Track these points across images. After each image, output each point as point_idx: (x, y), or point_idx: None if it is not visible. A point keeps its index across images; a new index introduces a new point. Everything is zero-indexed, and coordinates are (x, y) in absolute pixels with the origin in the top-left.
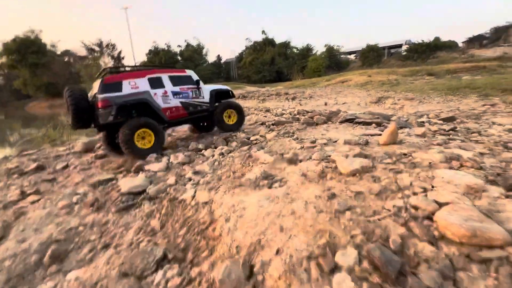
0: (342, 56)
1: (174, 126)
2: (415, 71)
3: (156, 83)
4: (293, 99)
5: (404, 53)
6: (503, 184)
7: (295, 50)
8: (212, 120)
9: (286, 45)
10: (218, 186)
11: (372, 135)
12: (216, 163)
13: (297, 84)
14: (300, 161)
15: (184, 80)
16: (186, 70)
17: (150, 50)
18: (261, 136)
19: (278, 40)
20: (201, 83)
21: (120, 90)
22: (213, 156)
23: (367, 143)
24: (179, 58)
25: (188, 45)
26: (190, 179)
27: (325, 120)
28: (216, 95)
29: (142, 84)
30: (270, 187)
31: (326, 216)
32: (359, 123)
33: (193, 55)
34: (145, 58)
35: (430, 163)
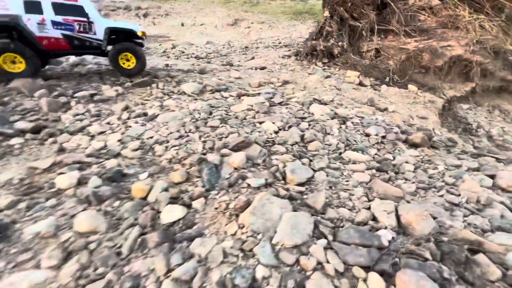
0: None
1: (57, 57)
2: None
3: (32, 8)
4: (145, 16)
5: None
6: None
7: None
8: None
9: None
10: None
11: None
12: None
13: None
14: None
15: (71, 9)
16: None
17: None
18: None
19: None
20: (96, 17)
21: None
22: None
23: None
24: None
25: None
26: None
27: None
28: (114, 34)
29: (14, 6)
30: None
31: None
32: None
33: None
34: None
35: None
